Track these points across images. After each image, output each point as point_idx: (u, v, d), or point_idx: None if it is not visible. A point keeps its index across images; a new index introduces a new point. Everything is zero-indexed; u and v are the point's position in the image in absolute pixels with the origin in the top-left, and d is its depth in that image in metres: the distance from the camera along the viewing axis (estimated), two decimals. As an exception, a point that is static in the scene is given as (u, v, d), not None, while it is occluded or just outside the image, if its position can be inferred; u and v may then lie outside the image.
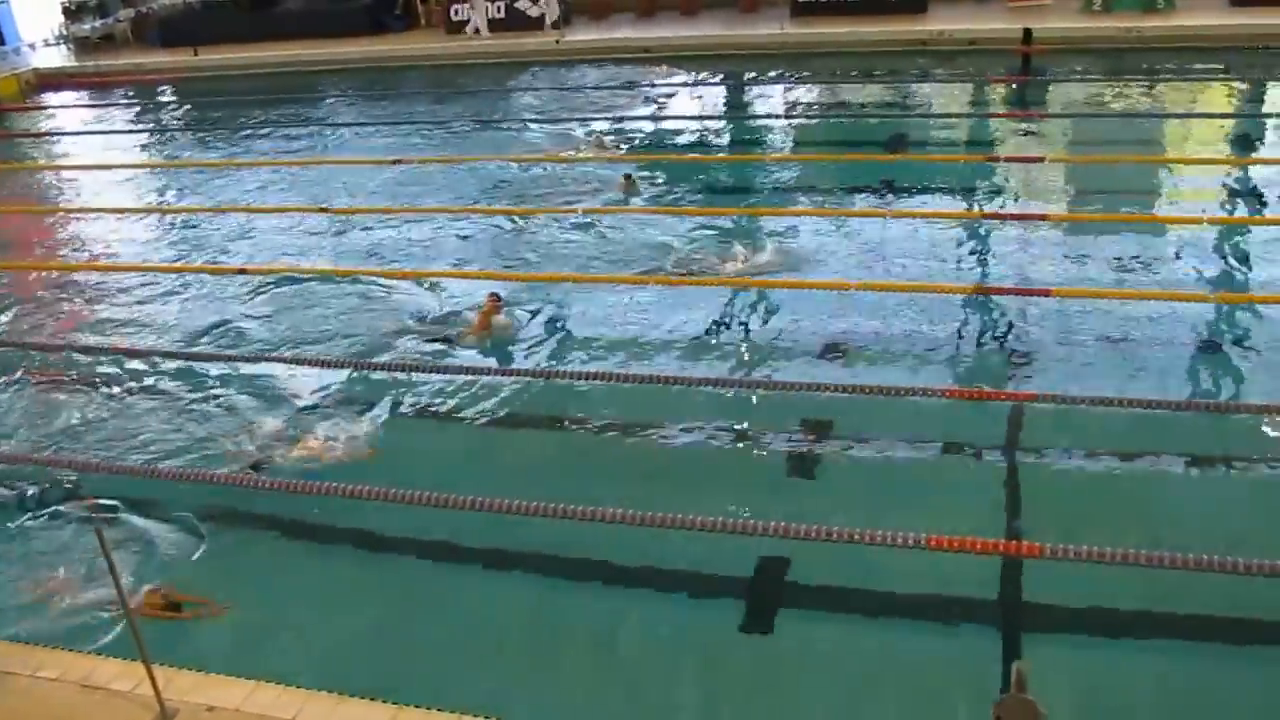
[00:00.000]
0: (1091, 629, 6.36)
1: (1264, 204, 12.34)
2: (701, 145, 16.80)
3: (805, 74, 20.00)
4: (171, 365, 10.30)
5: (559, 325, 10.60)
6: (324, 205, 14.50)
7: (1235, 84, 17.73)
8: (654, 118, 18.10)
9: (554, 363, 9.86)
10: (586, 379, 9.50)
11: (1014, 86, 18.43)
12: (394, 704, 5.64)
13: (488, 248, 12.72)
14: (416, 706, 5.61)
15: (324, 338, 10.60)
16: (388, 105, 21.28)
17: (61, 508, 8.04)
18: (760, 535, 6.88)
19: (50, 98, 24.70)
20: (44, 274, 13.55)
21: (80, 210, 16.40)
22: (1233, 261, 10.99)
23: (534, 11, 23.48)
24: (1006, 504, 7.40)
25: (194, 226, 14.68)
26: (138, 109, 23.38)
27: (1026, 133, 15.80)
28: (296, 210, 14.56)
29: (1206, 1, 20.02)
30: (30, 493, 8.35)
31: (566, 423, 8.97)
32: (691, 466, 8.23)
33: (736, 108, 19.54)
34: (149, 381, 10.04)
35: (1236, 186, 13.05)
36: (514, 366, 9.88)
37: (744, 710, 5.95)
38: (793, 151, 16.30)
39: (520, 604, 6.87)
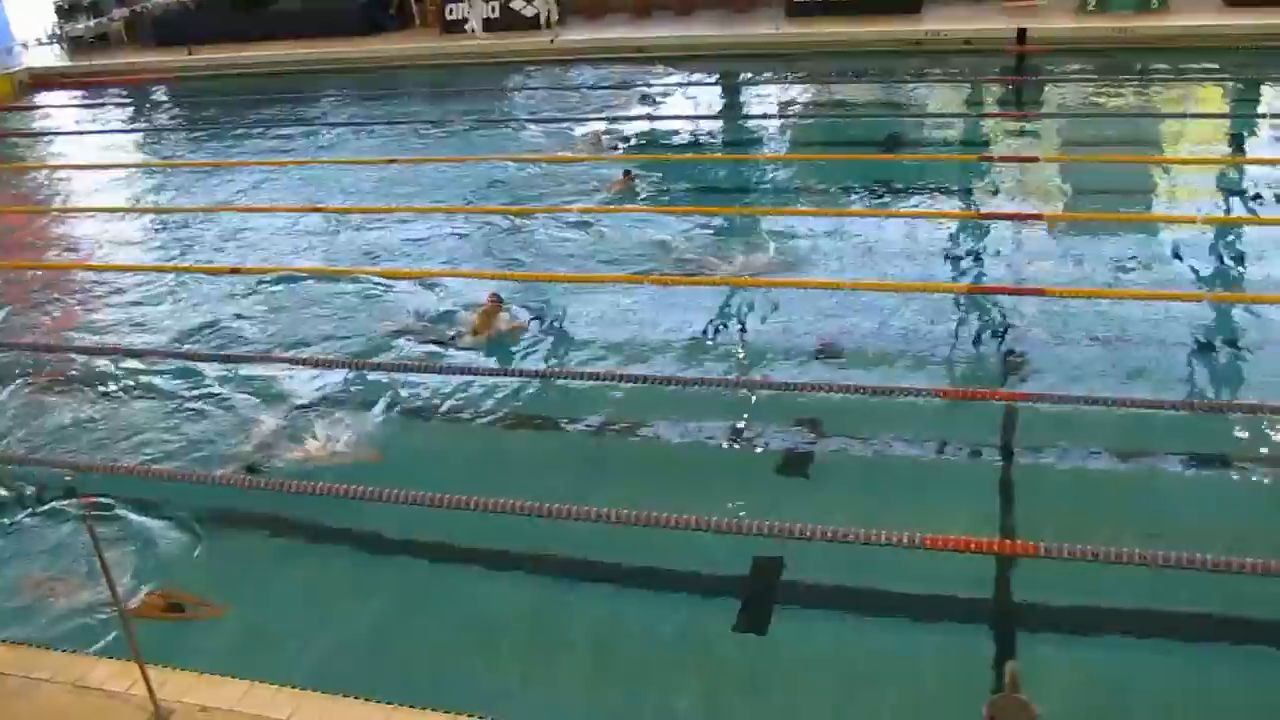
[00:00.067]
0: (1087, 628, 6.36)
1: (1259, 204, 12.36)
2: (696, 145, 16.78)
3: (800, 74, 20.00)
4: (168, 365, 10.26)
5: (556, 325, 10.58)
6: (319, 205, 14.47)
7: (1230, 84, 17.75)
8: (649, 117, 18.08)
9: (552, 363, 9.85)
10: (584, 379, 9.49)
11: (1009, 86, 18.46)
12: (389, 704, 5.63)
13: (483, 247, 12.70)
14: (411, 707, 5.60)
15: (321, 337, 10.57)
16: (383, 105, 21.22)
17: (57, 505, 8.01)
18: (756, 535, 6.88)
19: (44, 97, 24.65)
20: (38, 274, 13.48)
21: (75, 210, 16.36)
22: (1228, 261, 11.01)
23: (529, 11, 23.51)
24: (1002, 503, 7.40)
25: (189, 226, 14.63)
26: (132, 108, 23.33)
27: (1021, 132, 15.81)
28: (292, 210, 14.51)
29: (1201, 2, 20.06)
30: (27, 492, 8.32)
31: (564, 423, 8.96)
32: (688, 466, 8.22)
33: (731, 107, 19.51)
34: (144, 381, 10.02)
35: (1231, 186, 13.07)
36: (512, 366, 9.86)
37: (741, 709, 5.94)
38: (787, 151, 16.29)
39: (518, 604, 6.85)
